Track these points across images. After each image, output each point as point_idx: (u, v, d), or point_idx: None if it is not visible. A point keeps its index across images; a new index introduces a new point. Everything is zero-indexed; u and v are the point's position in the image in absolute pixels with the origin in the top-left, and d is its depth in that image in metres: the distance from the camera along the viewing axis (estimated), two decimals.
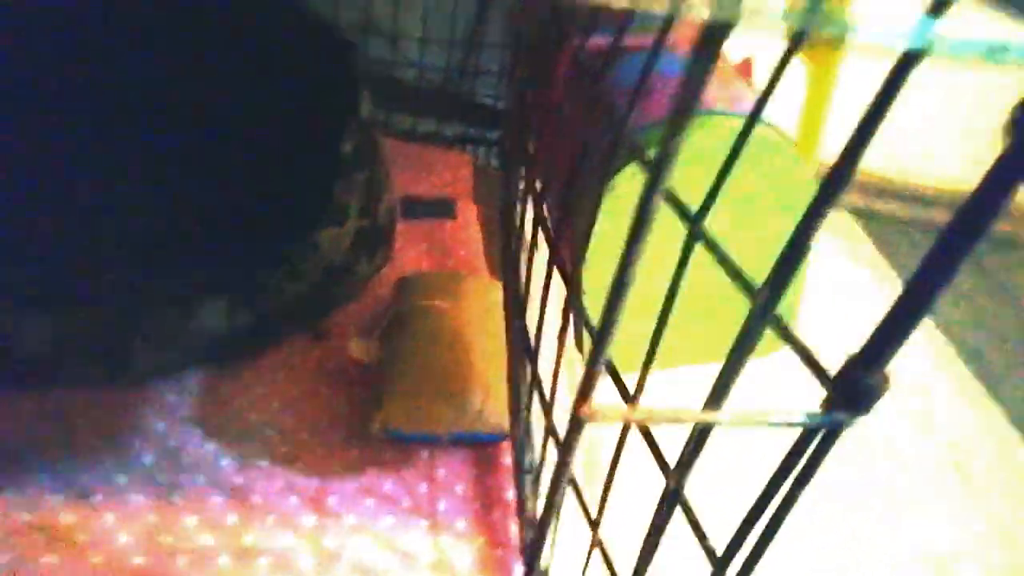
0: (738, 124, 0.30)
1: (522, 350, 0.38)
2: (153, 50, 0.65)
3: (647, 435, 0.27)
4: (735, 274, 0.21)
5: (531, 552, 0.38)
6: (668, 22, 0.30)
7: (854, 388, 0.17)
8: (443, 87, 0.91)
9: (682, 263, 0.23)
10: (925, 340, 0.90)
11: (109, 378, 0.53)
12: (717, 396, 0.19)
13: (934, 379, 0.84)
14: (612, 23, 0.33)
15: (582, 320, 0.30)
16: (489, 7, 0.86)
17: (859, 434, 0.73)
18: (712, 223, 0.25)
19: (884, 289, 0.99)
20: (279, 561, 0.46)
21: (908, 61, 0.14)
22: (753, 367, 0.21)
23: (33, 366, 0.52)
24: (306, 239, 0.56)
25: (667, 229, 0.26)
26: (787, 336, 0.19)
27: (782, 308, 0.36)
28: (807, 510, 0.63)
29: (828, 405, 0.17)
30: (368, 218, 0.62)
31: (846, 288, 0.98)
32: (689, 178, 0.28)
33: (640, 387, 0.28)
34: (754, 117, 0.25)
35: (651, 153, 0.31)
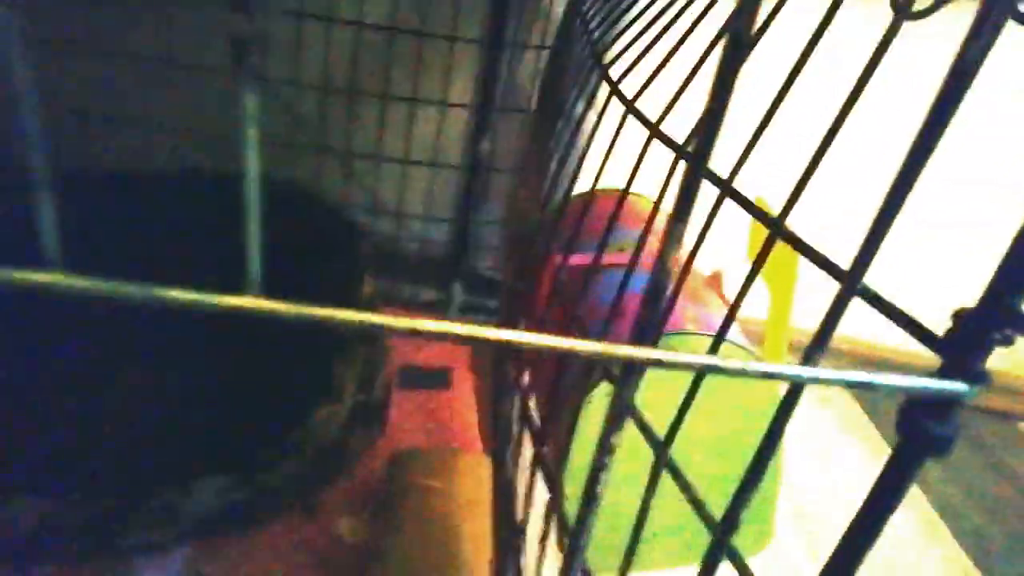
0: (707, 343, 0.32)
1: (507, 543, 0.39)
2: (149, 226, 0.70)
3: None
4: (697, 504, 0.22)
5: None
6: (639, 244, 0.33)
7: None
8: (444, 259, 0.96)
9: (650, 485, 0.25)
10: (918, 517, 0.89)
11: (98, 554, 0.53)
12: None
13: (929, 559, 0.82)
14: (591, 241, 0.37)
15: (563, 524, 0.31)
16: (489, 189, 0.92)
17: None
18: (682, 441, 0.27)
19: (873, 458, 0.98)
20: None
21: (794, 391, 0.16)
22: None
23: (24, 544, 0.52)
24: (304, 417, 0.58)
25: (638, 444, 0.28)
26: (740, 566, 0.20)
27: (759, 506, 0.37)
28: None
29: None
30: (364, 394, 0.63)
31: (835, 455, 0.98)
32: (662, 394, 0.30)
33: None
34: (719, 338, 0.28)
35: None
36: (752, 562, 0.38)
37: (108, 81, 0.78)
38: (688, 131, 0.28)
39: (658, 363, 0.13)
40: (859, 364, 1.14)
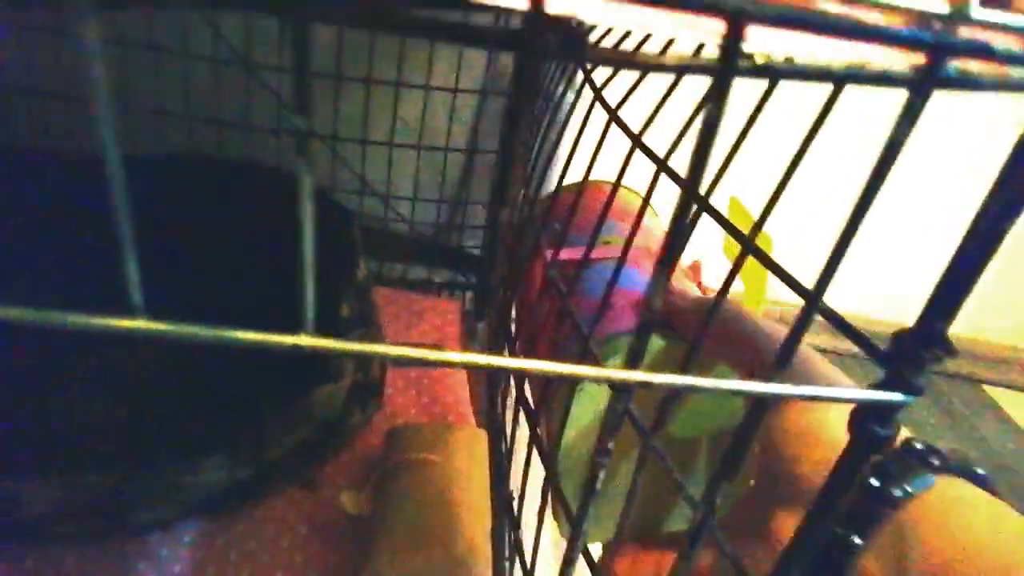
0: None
1: (504, 516, 0.42)
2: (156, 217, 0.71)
3: None
4: (679, 487, 0.25)
5: None
6: (628, 242, 0.35)
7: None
8: (433, 239, 0.98)
9: (638, 470, 0.27)
10: None
11: (106, 534, 0.55)
12: None
13: None
14: (582, 235, 0.39)
15: (559, 498, 0.34)
16: (474, 170, 0.94)
17: None
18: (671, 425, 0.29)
19: None
20: None
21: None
22: None
23: (33, 525, 0.54)
24: (305, 396, 0.60)
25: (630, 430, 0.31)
26: (720, 543, 0.23)
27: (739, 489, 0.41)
28: None
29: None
30: (362, 372, 0.66)
31: None
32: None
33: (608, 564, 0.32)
34: (696, 343, 0.30)
35: (615, 361, 0.36)
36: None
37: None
38: (670, 138, 0.30)
39: (647, 385, 0.16)
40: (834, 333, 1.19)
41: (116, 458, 0.55)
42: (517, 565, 0.41)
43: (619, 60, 0.28)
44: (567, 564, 0.25)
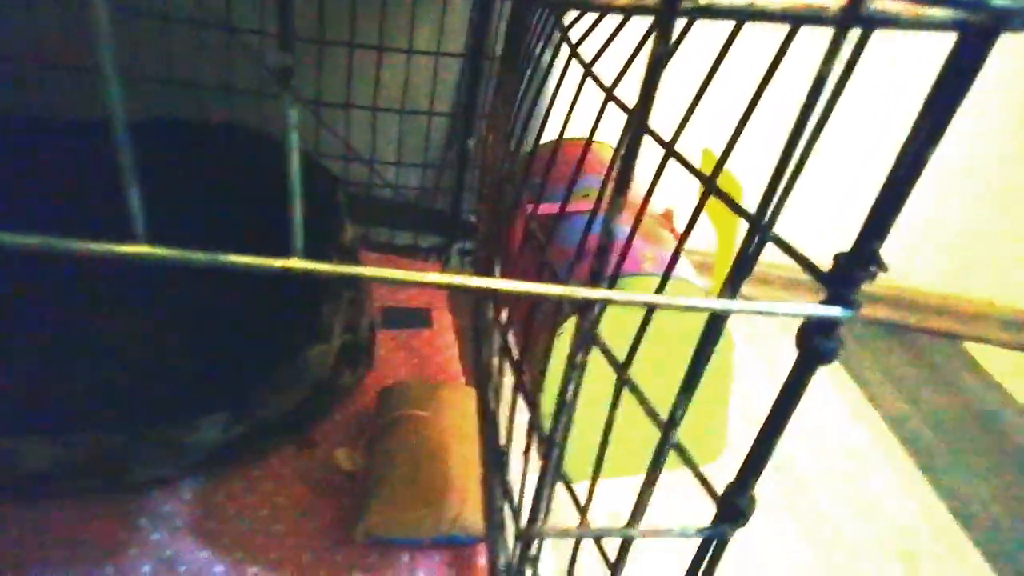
0: (657, 281, 0.37)
1: (493, 462, 0.43)
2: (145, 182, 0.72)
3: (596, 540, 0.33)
4: (651, 413, 0.27)
5: None
6: (601, 191, 0.37)
7: (734, 508, 0.23)
8: (417, 204, 0.99)
9: (614, 403, 0.29)
10: (869, 430, 0.96)
11: (108, 490, 0.57)
12: (636, 513, 0.24)
13: (879, 469, 0.90)
14: (559, 188, 0.40)
15: (542, 438, 0.36)
16: (456, 135, 0.95)
17: (809, 516, 0.78)
18: (640, 363, 0.31)
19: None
20: None
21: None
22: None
23: (35, 482, 0.56)
24: (296, 356, 0.62)
25: (603, 367, 0.32)
26: (685, 459, 0.25)
27: (712, 420, 0.43)
28: None
29: (715, 520, 0.23)
30: (351, 334, 0.68)
31: (779, 359, 1.05)
32: (624, 325, 0.34)
33: (590, 499, 0.34)
34: (665, 277, 0.32)
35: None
36: (709, 468, 0.43)
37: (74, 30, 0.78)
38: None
39: (609, 300, 0.17)
40: (787, 285, 1.21)
41: (116, 419, 0.57)
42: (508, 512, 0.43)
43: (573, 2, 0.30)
44: (537, 503, 0.27)
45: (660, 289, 0.32)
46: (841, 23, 0.14)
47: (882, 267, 0.18)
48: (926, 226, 1.18)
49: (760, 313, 0.18)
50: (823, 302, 0.19)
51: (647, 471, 0.25)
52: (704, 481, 0.24)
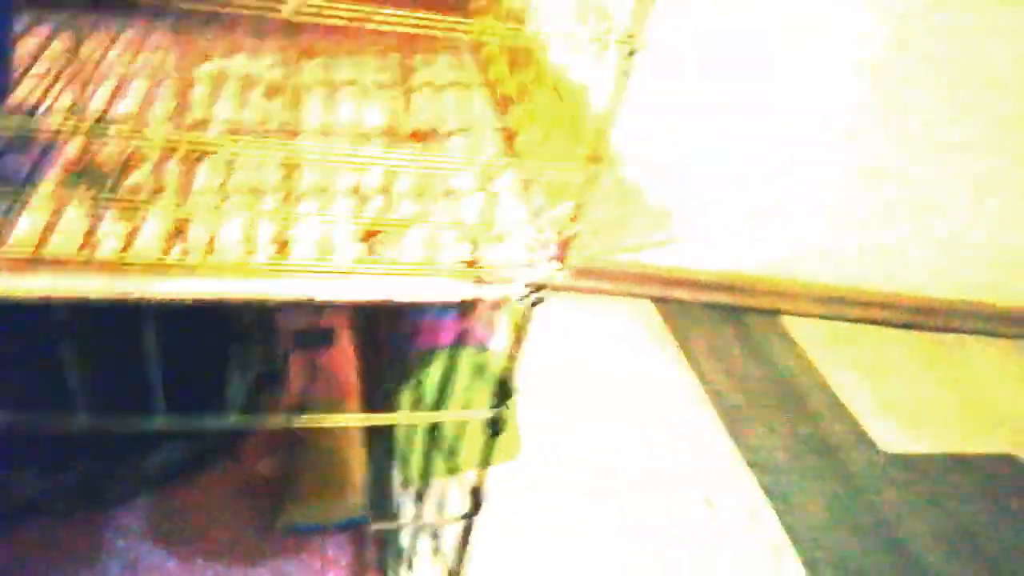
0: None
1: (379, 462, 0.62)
2: None
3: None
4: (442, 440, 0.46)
5: None
6: None
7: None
8: None
9: (431, 432, 0.48)
10: (688, 398, 1.21)
11: (86, 510, 0.73)
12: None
13: (691, 428, 1.15)
14: None
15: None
16: None
17: (623, 474, 1.01)
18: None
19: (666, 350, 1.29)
20: None
21: None
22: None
23: (19, 508, 0.71)
24: (224, 388, 0.78)
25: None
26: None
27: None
28: None
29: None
30: (269, 363, 0.84)
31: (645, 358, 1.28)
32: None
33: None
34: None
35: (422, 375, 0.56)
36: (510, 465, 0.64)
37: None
38: None
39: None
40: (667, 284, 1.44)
41: (95, 450, 0.72)
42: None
43: None
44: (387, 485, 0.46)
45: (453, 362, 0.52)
46: None
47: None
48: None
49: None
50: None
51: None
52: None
